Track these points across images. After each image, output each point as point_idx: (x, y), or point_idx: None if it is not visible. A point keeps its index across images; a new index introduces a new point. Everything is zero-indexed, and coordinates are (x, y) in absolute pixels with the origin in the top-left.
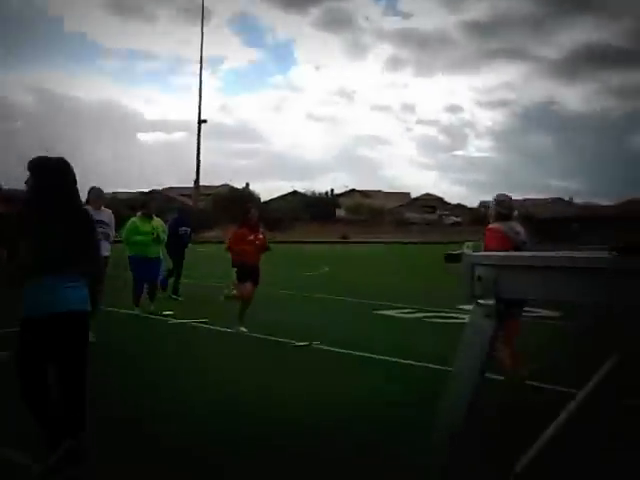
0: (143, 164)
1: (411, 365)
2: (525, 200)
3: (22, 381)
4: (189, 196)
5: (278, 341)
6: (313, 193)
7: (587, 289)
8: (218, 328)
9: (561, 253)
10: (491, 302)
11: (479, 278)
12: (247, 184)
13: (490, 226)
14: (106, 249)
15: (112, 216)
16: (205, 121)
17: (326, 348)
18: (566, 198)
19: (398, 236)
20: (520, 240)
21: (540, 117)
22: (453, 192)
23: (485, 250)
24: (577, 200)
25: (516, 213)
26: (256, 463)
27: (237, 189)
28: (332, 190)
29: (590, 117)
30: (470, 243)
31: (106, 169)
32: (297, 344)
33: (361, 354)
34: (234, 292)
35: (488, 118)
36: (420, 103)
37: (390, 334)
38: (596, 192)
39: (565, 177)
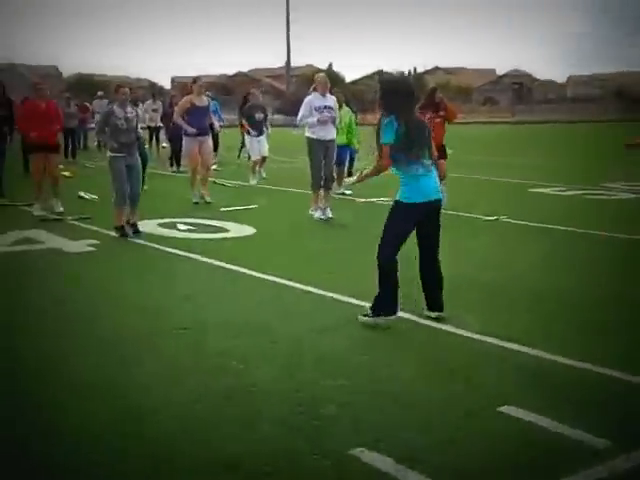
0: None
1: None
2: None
3: (387, 253)
4: (275, 77)
5: (468, 217)
6: (398, 72)
7: None
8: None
9: None
10: None
11: None
12: (330, 64)
13: None
14: (334, 132)
15: (336, 101)
16: None
17: (507, 220)
18: None
19: (487, 115)
20: None
21: None
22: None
23: None
24: None
25: None
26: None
27: (321, 70)
28: (415, 68)
29: None
30: None
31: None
32: (486, 219)
33: (541, 225)
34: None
35: None
36: None
37: (558, 209)
38: None
39: None
